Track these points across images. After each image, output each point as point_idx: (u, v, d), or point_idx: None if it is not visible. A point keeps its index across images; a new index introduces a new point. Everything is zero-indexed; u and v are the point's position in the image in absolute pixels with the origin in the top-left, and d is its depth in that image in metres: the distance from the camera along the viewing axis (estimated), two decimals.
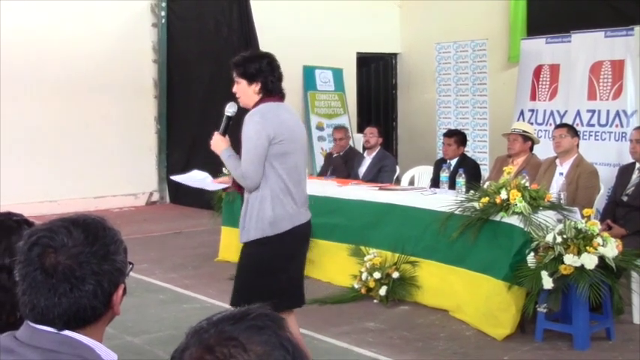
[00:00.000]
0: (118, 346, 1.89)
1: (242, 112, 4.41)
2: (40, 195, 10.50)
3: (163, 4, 11.94)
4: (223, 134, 4.46)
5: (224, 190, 4.61)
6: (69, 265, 1.71)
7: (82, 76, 10.98)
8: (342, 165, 9.03)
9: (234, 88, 4.40)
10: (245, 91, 4.34)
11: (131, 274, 1.88)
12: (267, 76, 4.30)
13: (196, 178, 4.85)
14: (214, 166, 5.69)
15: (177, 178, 4.89)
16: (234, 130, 4.39)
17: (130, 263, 1.86)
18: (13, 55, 10.34)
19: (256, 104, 4.32)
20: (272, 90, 4.33)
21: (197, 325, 1.30)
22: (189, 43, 11.89)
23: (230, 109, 4.45)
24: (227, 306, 5.08)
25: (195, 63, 11.87)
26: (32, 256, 1.72)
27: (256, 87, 4.30)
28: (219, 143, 4.43)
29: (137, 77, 11.76)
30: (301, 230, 4.39)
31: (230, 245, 7.60)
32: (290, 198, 4.30)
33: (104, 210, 10.83)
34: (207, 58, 11.53)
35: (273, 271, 4.31)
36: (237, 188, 4.46)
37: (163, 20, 11.98)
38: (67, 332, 1.73)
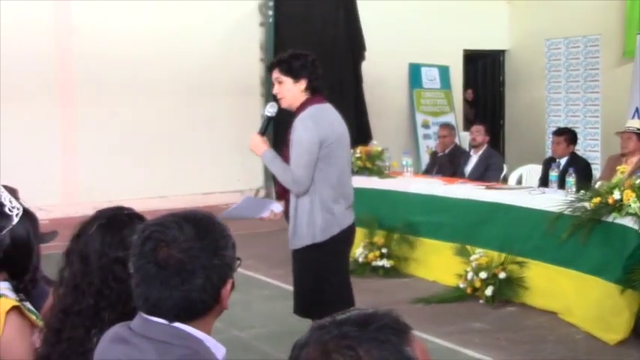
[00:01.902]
0: (225, 340, 1.92)
1: (281, 113, 4.34)
2: (150, 191, 10.77)
3: (271, 4, 12.08)
4: (262, 135, 4.38)
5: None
6: (180, 258, 1.75)
7: (192, 76, 11.23)
8: (447, 163, 8.93)
9: (275, 89, 4.30)
10: (290, 90, 4.24)
11: (238, 269, 1.90)
12: (312, 74, 4.22)
13: (250, 207, 4.58)
14: None
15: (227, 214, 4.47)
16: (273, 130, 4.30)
17: (238, 259, 1.88)
18: (128, 57, 10.67)
19: (303, 105, 4.24)
20: (317, 88, 4.25)
21: (321, 322, 1.30)
22: (296, 41, 11.90)
23: (270, 109, 4.36)
24: None
25: None
26: (145, 250, 1.77)
27: (302, 85, 4.21)
28: (258, 144, 4.38)
29: (244, 76, 11.93)
30: (348, 231, 4.34)
31: None
32: (337, 201, 4.25)
33: (212, 206, 11.04)
34: None
35: (327, 273, 4.26)
36: (282, 192, 4.38)
37: (271, 20, 12.12)
38: (178, 324, 1.77)
